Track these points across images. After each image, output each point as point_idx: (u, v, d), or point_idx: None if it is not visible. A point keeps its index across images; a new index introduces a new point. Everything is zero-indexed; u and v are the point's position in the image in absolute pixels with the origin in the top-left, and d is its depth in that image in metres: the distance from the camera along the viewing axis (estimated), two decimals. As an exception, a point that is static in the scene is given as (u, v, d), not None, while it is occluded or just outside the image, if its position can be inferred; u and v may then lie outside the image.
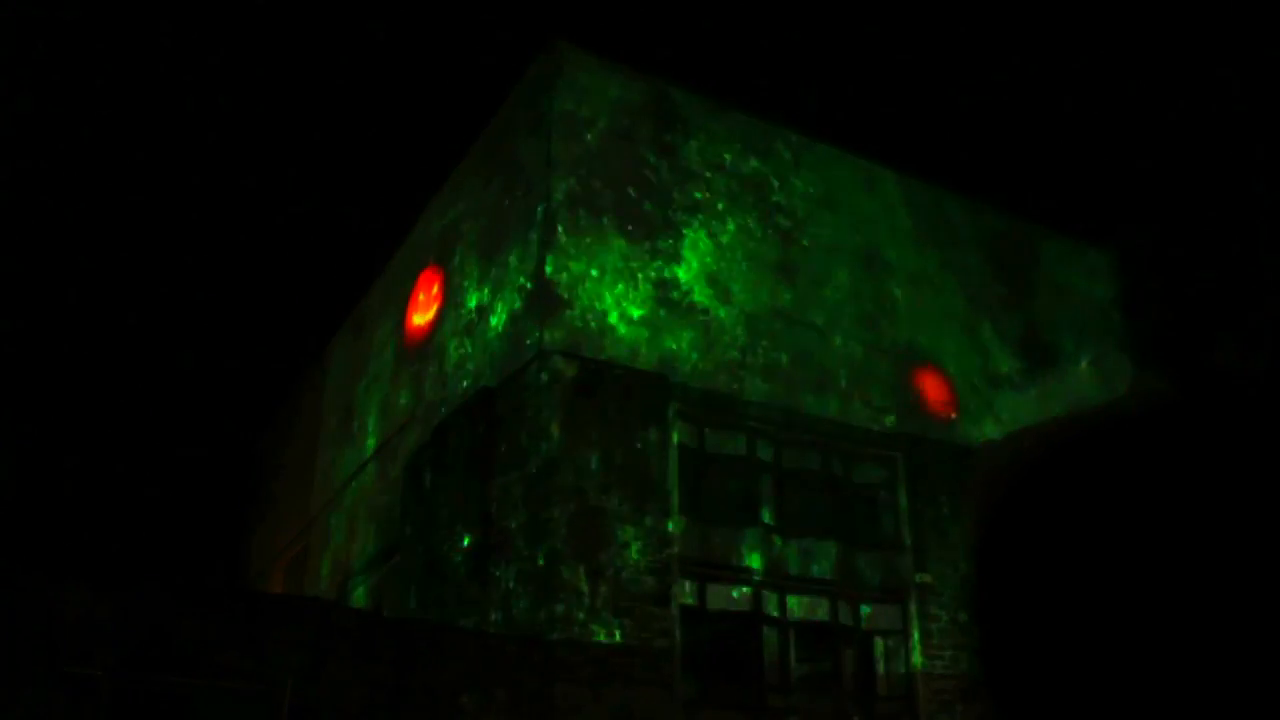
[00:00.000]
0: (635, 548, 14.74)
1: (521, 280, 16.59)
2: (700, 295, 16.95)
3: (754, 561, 16.02)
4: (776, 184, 18.56)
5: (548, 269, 15.91)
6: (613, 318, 16.00)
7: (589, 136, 16.83)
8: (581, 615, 14.03)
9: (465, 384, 17.86)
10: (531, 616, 14.05)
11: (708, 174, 17.82)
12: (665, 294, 16.61)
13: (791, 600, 16.30)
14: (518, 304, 16.55)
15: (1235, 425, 0.74)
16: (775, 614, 16.04)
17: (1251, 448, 0.74)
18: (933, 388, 18.55)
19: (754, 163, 18.48)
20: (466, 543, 16.01)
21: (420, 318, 20.88)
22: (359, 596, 20.47)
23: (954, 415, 18.59)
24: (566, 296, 15.81)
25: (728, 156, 18.20)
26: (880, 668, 17.05)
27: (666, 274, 16.74)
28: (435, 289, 20.38)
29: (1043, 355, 20.02)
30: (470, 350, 18.04)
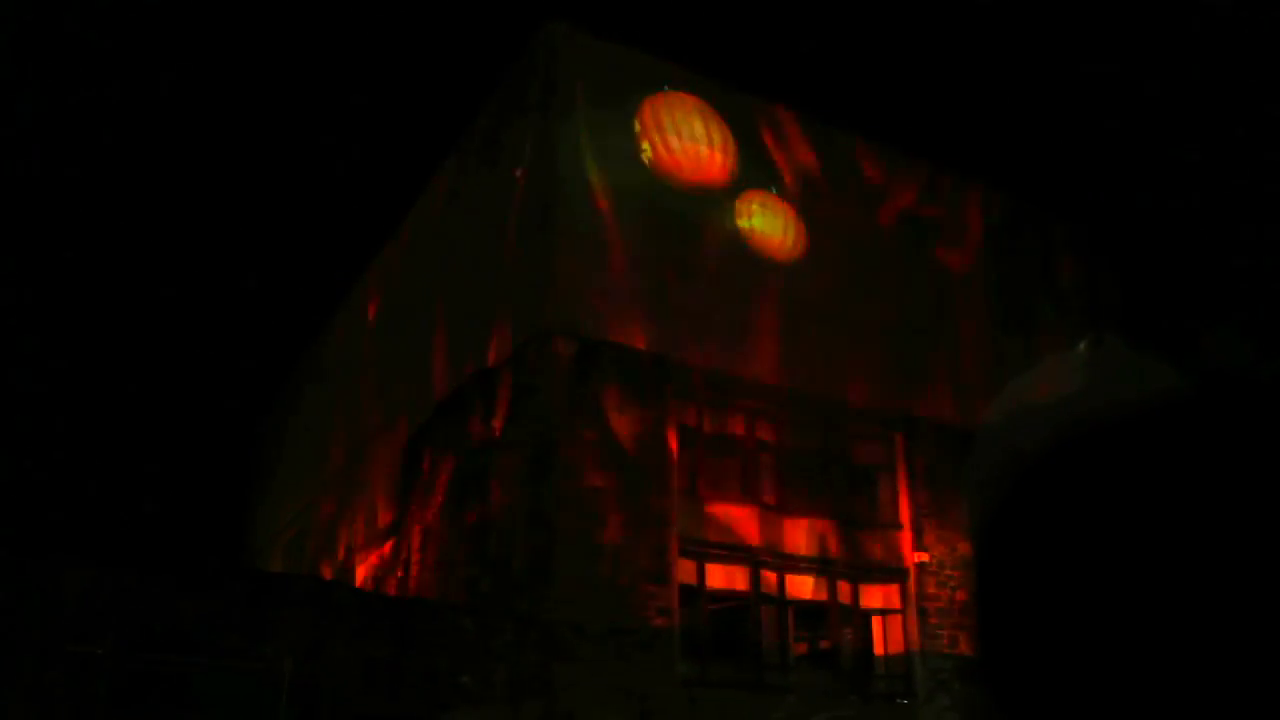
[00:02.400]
0: (634, 527, 14.78)
1: (521, 260, 16.56)
2: (702, 276, 16.90)
3: (752, 541, 16.07)
4: (777, 161, 18.48)
5: (548, 250, 15.88)
6: (613, 297, 15.97)
7: (588, 114, 16.74)
8: (580, 594, 14.08)
9: (468, 361, 17.85)
10: (530, 595, 14.09)
11: (710, 151, 17.73)
12: (667, 274, 16.56)
13: (790, 579, 16.36)
14: (518, 284, 16.51)
15: (1237, 413, 0.74)
16: (773, 593, 16.10)
17: (1253, 438, 0.73)
18: None
19: (756, 140, 18.39)
20: (466, 522, 16.05)
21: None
22: (359, 576, 20.53)
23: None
24: (567, 276, 15.78)
25: (729, 133, 18.10)
26: (878, 647, 17.14)
27: (668, 255, 16.67)
28: (444, 287, 19.41)
29: (1041, 337, 20.00)
30: (473, 329, 18.02)
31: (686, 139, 17.25)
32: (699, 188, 17.14)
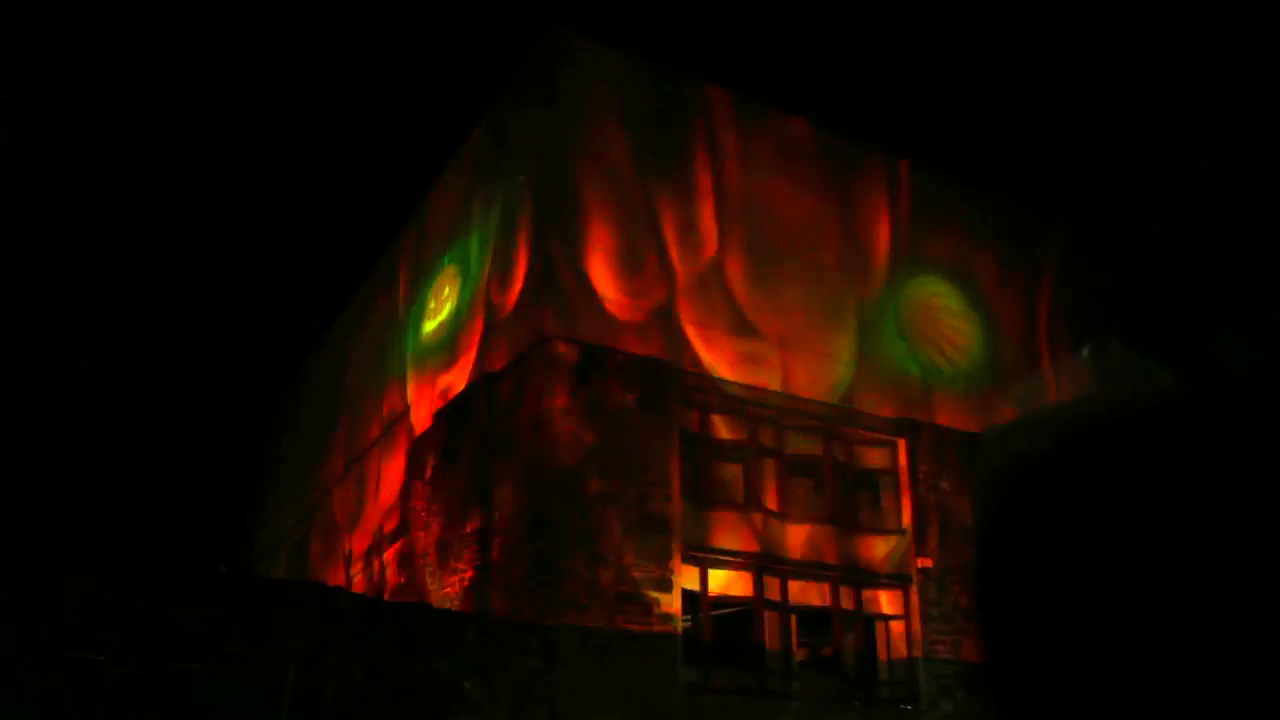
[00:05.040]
0: (637, 533, 14.75)
1: (524, 264, 16.55)
2: (704, 280, 16.89)
3: (756, 546, 16.04)
4: (778, 167, 18.47)
5: (551, 255, 15.87)
6: (616, 302, 15.95)
7: (592, 121, 16.74)
8: (583, 600, 14.05)
9: (469, 367, 17.84)
10: (533, 601, 14.07)
11: (711, 158, 17.73)
12: (668, 279, 16.55)
13: (793, 585, 16.32)
14: (520, 288, 16.50)
15: (1240, 418, 0.73)
16: (777, 599, 16.06)
17: (1254, 440, 0.73)
18: None
19: (758, 146, 18.39)
20: (469, 527, 16.03)
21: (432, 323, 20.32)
22: (361, 582, 20.52)
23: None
24: (569, 281, 15.77)
25: (732, 140, 18.11)
26: (881, 653, 17.09)
27: (670, 258, 16.66)
28: (445, 292, 19.96)
29: (1045, 343, 19.98)
30: (475, 334, 18.01)
31: None
32: None
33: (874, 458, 18.01)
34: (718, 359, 16.60)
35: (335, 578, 21.70)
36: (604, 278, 16.02)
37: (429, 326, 20.21)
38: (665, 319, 16.31)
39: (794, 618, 16.21)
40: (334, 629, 12.03)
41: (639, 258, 16.38)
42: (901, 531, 17.50)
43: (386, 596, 18.22)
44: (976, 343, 19.38)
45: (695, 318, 16.59)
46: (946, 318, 19.26)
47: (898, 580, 17.22)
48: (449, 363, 18.79)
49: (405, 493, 18.93)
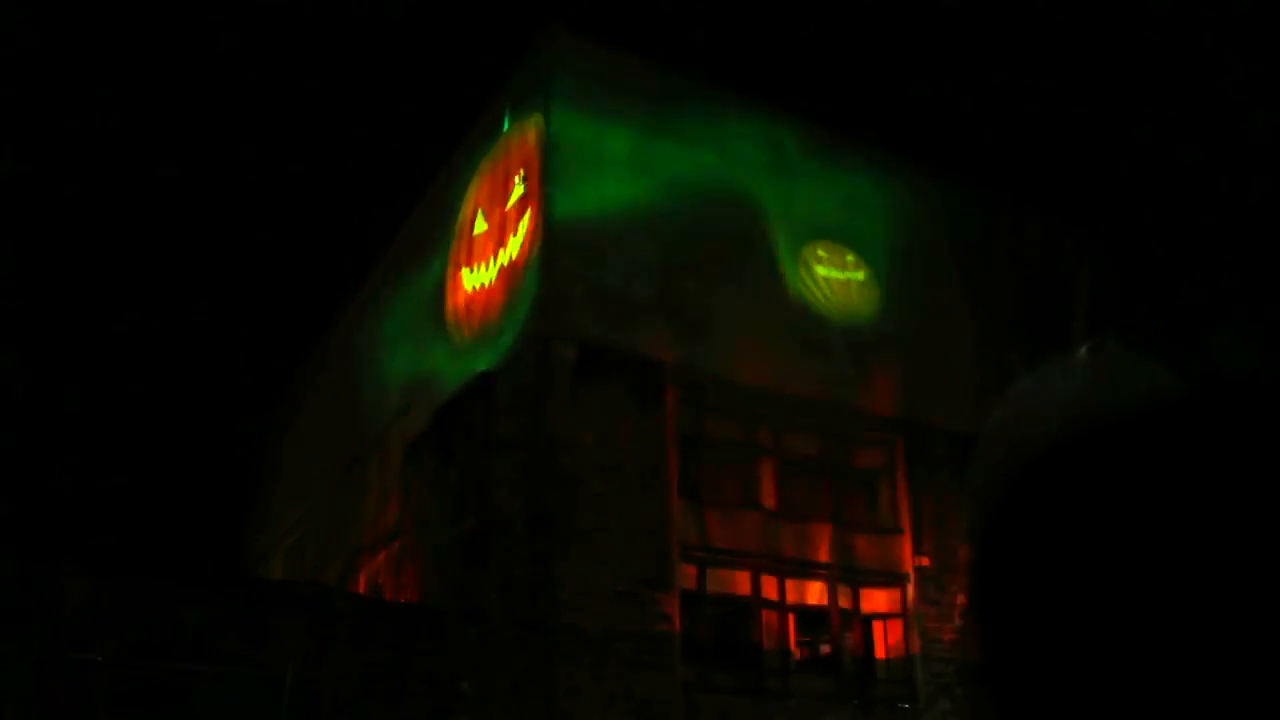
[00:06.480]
0: (635, 533, 14.76)
1: (521, 263, 16.55)
2: (701, 280, 16.90)
3: (753, 546, 16.05)
4: (775, 166, 18.49)
5: (548, 254, 15.88)
6: (613, 302, 15.96)
7: (587, 120, 16.75)
8: (581, 600, 14.06)
9: (467, 367, 17.84)
10: (531, 601, 14.08)
11: (707, 157, 17.73)
12: (666, 278, 16.55)
13: (790, 584, 16.34)
14: (517, 287, 16.51)
15: (1236, 415, 0.74)
16: (774, 598, 16.08)
17: (1253, 439, 0.74)
18: None
19: (752, 146, 18.41)
20: (467, 527, 16.03)
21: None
22: (360, 581, 20.50)
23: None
24: (566, 281, 15.77)
25: (727, 140, 18.12)
26: (879, 651, 17.12)
27: (667, 259, 16.67)
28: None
29: (1043, 341, 19.99)
30: (471, 333, 18.02)
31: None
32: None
33: (872, 457, 18.02)
34: (717, 359, 16.60)
35: (333, 578, 21.68)
36: (601, 277, 16.01)
37: (427, 326, 20.09)
38: (664, 319, 16.31)
39: (792, 617, 16.24)
40: (332, 629, 12.04)
41: (637, 257, 16.38)
42: (899, 530, 17.52)
43: (385, 597, 18.22)
44: (976, 341, 19.32)
45: (694, 317, 16.59)
46: (944, 316, 19.22)
47: (895, 579, 17.24)
48: (447, 362, 18.78)
49: (404, 492, 18.92)
